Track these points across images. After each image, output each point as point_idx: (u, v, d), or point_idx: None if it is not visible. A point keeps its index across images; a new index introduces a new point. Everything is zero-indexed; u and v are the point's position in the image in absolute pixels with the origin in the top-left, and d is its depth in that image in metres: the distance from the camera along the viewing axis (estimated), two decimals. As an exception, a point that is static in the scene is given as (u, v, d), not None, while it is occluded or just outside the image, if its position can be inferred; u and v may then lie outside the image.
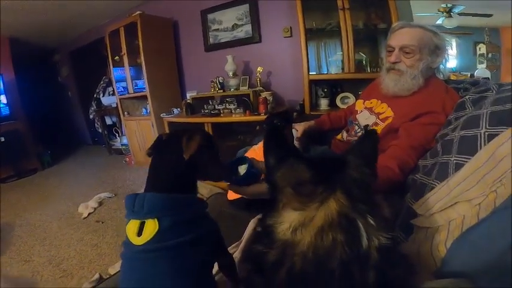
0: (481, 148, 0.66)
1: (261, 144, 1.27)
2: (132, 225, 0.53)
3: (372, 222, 0.38)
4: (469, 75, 2.61)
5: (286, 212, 0.42)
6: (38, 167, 4.14)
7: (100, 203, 2.71)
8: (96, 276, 1.60)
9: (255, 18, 2.94)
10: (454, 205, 0.59)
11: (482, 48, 2.72)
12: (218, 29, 3.23)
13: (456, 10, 2.44)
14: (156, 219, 0.52)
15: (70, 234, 2.21)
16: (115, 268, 1.65)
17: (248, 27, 3.00)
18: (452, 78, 2.12)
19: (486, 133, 0.68)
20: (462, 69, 2.62)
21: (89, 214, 2.50)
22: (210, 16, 3.23)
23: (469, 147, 0.70)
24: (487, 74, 2.61)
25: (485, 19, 2.46)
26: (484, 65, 2.71)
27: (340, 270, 0.35)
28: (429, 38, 1.09)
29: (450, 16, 2.51)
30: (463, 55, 2.62)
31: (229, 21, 3.11)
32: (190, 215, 0.56)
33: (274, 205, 0.44)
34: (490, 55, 2.70)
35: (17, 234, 2.29)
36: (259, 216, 0.91)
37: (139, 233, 0.52)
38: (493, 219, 0.50)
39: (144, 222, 0.52)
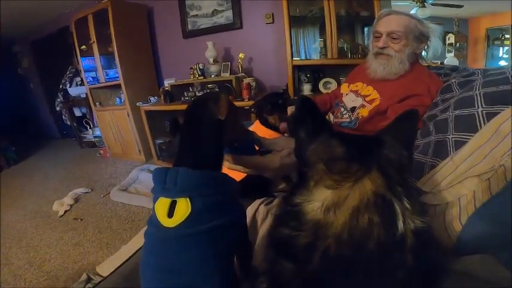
0: (480, 125, 0.68)
1: (254, 125, 1.25)
2: (162, 204, 0.48)
3: (407, 205, 0.36)
4: (439, 63, 2.76)
5: (317, 190, 0.39)
6: (4, 165, 3.83)
7: (76, 200, 2.57)
8: (84, 276, 1.52)
9: (236, 4, 2.85)
10: (462, 181, 0.60)
11: (451, 38, 2.86)
12: (197, 15, 3.10)
13: (430, 0, 2.54)
14: (188, 199, 0.47)
15: (48, 233, 2.08)
16: (103, 267, 1.58)
17: (229, 13, 2.92)
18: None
19: (484, 111, 0.71)
20: (434, 57, 2.76)
21: (65, 212, 2.37)
22: (188, 1, 3.09)
23: (468, 125, 0.73)
24: (455, 62, 2.77)
25: (455, 10, 2.58)
26: (452, 54, 2.86)
27: (378, 252, 0.34)
28: (414, 25, 1.14)
29: (424, 6, 2.60)
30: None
31: (209, 7, 3.01)
32: (225, 195, 0.52)
33: (303, 182, 0.41)
34: (458, 44, 2.86)
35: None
36: (263, 200, 0.90)
37: (170, 214, 0.47)
38: (508, 193, 0.50)
39: (176, 201, 0.47)
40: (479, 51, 2.67)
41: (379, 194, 0.36)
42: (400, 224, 0.35)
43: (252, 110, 1.23)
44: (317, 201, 0.38)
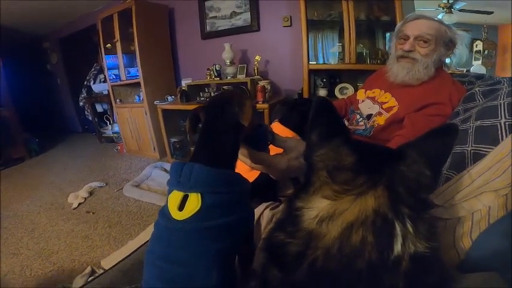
0: (502, 138, 0.64)
1: (273, 124, 1.22)
2: (175, 197, 0.49)
3: (410, 228, 0.33)
4: (464, 71, 2.63)
5: (315, 198, 0.37)
6: (25, 156, 4.00)
7: (90, 193, 2.64)
8: (88, 269, 1.55)
9: (254, 7, 2.87)
10: (478, 195, 0.55)
11: (478, 45, 2.73)
12: (216, 17, 3.15)
13: (457, 6, 2.43)
14: (199, 195, 0.47)
15: (59, 225, 2.13)
16: (108, 261, 1.60)
17: (247, 16, 2.94)
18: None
19: (507, 123, 0.66)
20: (458, 64, 2.64)
21: (79, 204, 2.43)
22: (208, 3, 3.15)
23: (489, 137, 0.68)
24: (483, 70, 2.64)
25: (484, 16, 2.46)
26: (479, 62, 2.73)
27: (367, 272, 0.32)
28: (444, 30, 1.09)
29: (450, 12, 2.50)
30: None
31: (228, 9, 3.04)
32: (236, 194, 0.52)
33: (306, 187, 0.39)
34: (486, 52, 2.72)
35: (4, 226, 2.19)
36: (269, 204, 0.88)
37: (181, 207, 0.48)
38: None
39: (188, 195, 0.48)
40: (508, 60, 2.53)
41: (380, 213, 0.33)
42: (398, 247, 0.32)
43: (277, 120, 1.20)
44: (314, 209, 0.36)
